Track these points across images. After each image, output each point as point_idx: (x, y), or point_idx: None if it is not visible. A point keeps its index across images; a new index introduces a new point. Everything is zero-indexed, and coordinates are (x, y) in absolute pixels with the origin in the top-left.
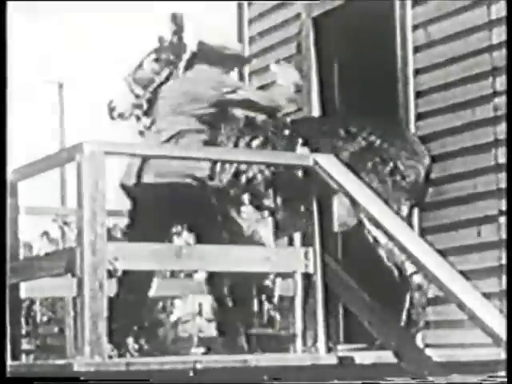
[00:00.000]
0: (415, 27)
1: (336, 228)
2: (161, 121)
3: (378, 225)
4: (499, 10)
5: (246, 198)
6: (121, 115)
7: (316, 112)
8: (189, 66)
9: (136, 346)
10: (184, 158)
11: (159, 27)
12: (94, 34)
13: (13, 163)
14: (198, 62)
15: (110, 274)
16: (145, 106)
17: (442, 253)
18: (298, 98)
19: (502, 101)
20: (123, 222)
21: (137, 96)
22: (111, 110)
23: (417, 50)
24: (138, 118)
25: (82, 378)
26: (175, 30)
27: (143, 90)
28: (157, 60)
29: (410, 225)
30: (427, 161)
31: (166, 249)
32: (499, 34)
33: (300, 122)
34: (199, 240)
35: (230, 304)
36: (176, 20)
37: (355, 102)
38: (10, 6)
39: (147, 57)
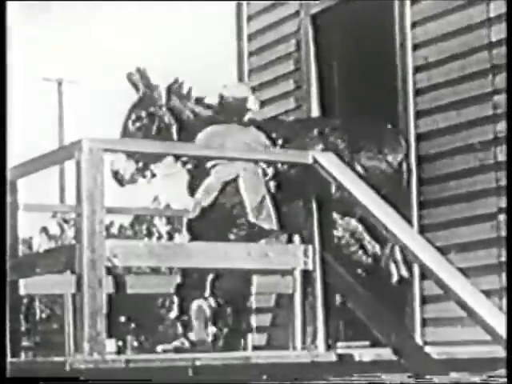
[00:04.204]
0: (414, 25)
1: None
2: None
3: (376, 222)
4: (498, 7)
5: None
6: (131, 181)
7: (315, 109)
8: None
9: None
10: (183, 155)
11: (159, 27)
12: (94, 32)
13: (12, 161)
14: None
15: (109, 271)
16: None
17: (442, 250)
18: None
19: (501, 99)
20: (120, 219)
21: (137, 161)
22: (120, 180)
23: (416, 47)
24: (154, 175)
25: (76, 377)
26: (145, 84)
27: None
28: (138, 118)
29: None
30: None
31: (163, 246)
32: (498, 32)
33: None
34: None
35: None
36: (141, 74)
37: (354, 99)
38: (9, 5)
39: (128, 120)
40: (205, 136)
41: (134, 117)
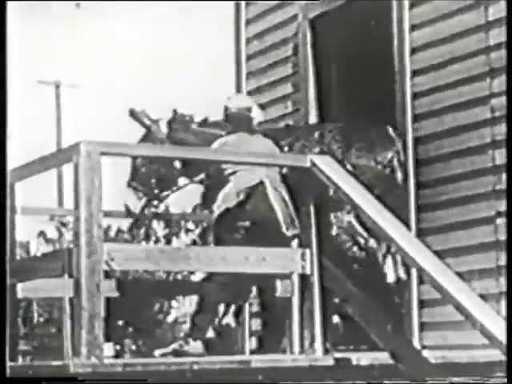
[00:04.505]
0: (412, 28)
1: None
2: None
3: (374, 225)
4: (496, 11)
5: None
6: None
7: (313, 112)
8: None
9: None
10: (183, 158)
11: (158, 27)
12: (93, 33)
13: (10, 164)
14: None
15: (107, 275)
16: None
17: (439, 254)
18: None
19: (499, 102)
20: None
21: (145, 194)
22: (130, 214)
23: (414, 51)
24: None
25: (79, 379)
26: (149, 124)
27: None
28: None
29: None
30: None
31: (161, 250)
32: (496, 36)
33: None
34: None
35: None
36: (142, 116)
37: (352, 103)
38: (9, 5)
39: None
40: (218, 146)
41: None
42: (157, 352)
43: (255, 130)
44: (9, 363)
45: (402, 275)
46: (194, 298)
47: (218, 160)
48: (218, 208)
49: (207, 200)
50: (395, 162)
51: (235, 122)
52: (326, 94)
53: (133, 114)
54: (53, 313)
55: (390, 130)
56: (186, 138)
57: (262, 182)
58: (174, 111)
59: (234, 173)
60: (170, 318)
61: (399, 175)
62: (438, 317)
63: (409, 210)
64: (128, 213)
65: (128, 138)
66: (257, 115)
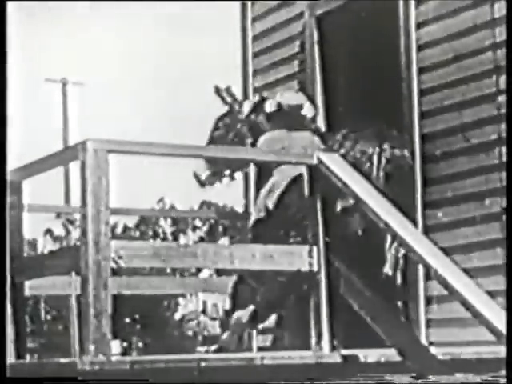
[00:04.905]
0: (418, 26)
1: None
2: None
3: (382, 222)
4: (502, 8)
5: None
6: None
7: (319, 111)
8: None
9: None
10: (188, 155)
11: (163, 26)
12: (98, 33)
13: (17, 162)
14: (276, 125)
15: (114, 272)
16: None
17: (446, 251)
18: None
19: (505, 99)
20: (125, 219)
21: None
22: (201, 183)
23: (420, 48)
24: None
25: (81, 378)
26: (231, 103)
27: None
28: (219, 128)
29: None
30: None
31: (169, 247)
32: (502, 33)
33: None
34: None
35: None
36: (226, 93)
37: (358, 100)
38: (10, 5)
39: (214, 131)
40: (265, 141)
41: (218, 126)
42: (200, 348)
43: (307, 126)
44: (16, 361)
45: (388, 270)
46: (201, 296)
47: (226, 157)
48: (267, 198)
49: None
50: (374, 159)
51: (285, 118)
52: (333, 91)
53: (217, 90)
54: (60, 310)
55: (384, 128)
56: (262, 122)
57: (301, 175)
58: (262, 96)
59: (277, 166)
60: (177, 316)
61: (375, 170)
62: (444, 313)
63: (415, 207)
64: (198, 181)
65: (134, 135)
66: (308, 112)
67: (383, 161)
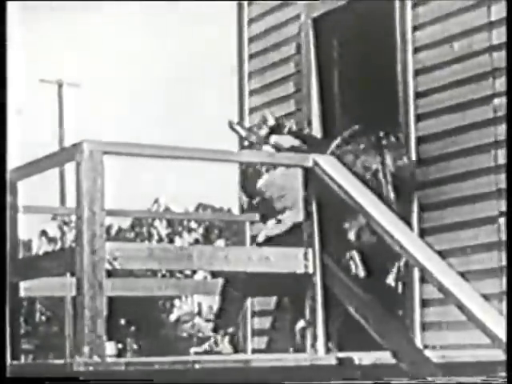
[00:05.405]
0: (415, 28)
1: None
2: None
3: (377, 225)
4: (499, 11)
5: None
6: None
7: (315, 113)
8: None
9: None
10: (184, 158)
11: (159, 29)
12: (95, 33)
13: (12, 163)
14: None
15: (109, 274)
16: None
17: (442, 254)
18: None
19: (501, 102)
20: (118, 221)
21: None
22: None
23: (416, 50)
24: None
25: (81, 378)
26: (246, 135)
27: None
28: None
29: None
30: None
31: (164, 249)
32: (499, 35)
33: None
34: None
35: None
36: (238, 127)
37: (354, 102)
38: (9, 5)
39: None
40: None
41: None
42: (192, 350)
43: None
44: (11, 362)
45: (360, 272)
46: (196, 298)
47: (221, 159)
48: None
49: None
50: (380, 175)
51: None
52: (329, 94)
53: (231, 125)
54: (55, 312)
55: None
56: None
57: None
58: (277, 119)
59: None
60: (172, 317)
61: (384, 187)
62: (440, 316)
63: (411, 210)
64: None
65: (130, 136)
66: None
67: (389, 178)
